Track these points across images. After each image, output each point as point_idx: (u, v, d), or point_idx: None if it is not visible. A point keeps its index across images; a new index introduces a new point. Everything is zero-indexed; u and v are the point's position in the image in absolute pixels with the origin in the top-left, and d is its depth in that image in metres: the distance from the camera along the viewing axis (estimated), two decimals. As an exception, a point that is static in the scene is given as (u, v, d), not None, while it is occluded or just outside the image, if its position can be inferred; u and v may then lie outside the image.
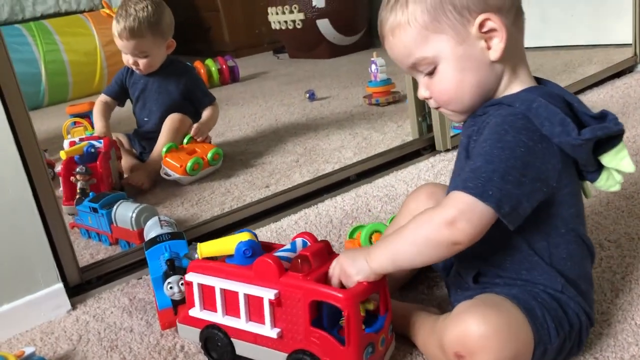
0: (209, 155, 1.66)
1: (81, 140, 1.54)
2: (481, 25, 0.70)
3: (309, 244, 0.81)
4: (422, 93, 0.77)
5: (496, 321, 0.66)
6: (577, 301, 0.73)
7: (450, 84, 0.73)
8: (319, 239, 0.82)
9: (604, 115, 0.70)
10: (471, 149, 0.73)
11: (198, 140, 1.73)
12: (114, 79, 1.84)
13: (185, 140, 1.71)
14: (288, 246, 0.81)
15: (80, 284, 1.14)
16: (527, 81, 0.75)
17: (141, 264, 1.17)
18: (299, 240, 0.82)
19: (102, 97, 1.82)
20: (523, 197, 0.66)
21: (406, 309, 0.83)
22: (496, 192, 0.64)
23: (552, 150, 0.68)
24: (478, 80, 0.72)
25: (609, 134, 0.68)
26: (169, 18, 1.74)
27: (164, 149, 1.64)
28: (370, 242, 1.04)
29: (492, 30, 0.70)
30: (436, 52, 0.71)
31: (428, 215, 0.69)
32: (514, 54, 0.73)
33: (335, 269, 0.74)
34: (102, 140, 1.54)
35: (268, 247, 0.84)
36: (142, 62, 1.71)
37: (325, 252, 0.78)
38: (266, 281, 0.75)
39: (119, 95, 1.83)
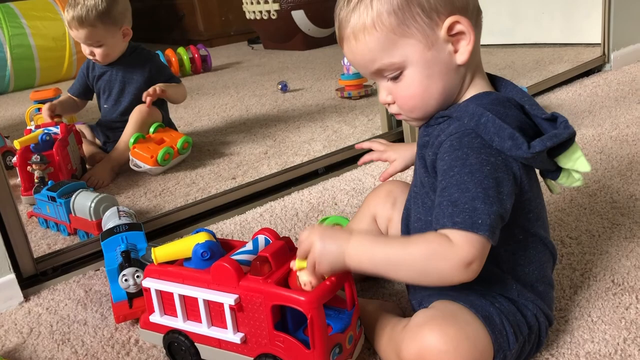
0: (179, 143, 1.63)
1: (37, 127, 1.50)
2: (450, 28, 0.66)
3: (270, 241, 0.78)
4: (385, 98, 0.72)
5: (455, 335, 0.64)
6: (536, 303, 0.72)
7: (417, 90, 0.69)
8: (285, 233, 0.80)
9: (554, 118, 0.68)
10: (429, 162, 0.70)
11: (152, 92, 1.65)
12: (77, 78, 1.81)
13: (151, 129, 1.67)
14: (249, 246, 0.78)
15: (35, 275, 1.10)
16: (482, 85, 0.72)
17: (99, 255, 1.13)
18: (260, 238, 0.78)
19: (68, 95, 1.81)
20: (506, 214, 0.64)
21: (364, 307, 0.81)
22: (485, 218, 0.61)
23: (510, 160, 0.66)
24: (444, 86, 0.69)
25: (559, 141, 0.66)
26: (121, 5, 1.68)
27: (131, 140, 1.61)
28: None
29: (460, 32, 0.67)
30: (404, 57, 0.67)
31: (442, 250, 0.62)
32: (476, 56, 0.70)
33: (314, 244, 0.67)
34: (58, 127, 1.49)
35: (228, 246, 0.81)
36: (97, 51, 1.67)
37: (286, 250, 0.75)
38: (225, 286, 0.72)
39: (82, 92, 1.80)
